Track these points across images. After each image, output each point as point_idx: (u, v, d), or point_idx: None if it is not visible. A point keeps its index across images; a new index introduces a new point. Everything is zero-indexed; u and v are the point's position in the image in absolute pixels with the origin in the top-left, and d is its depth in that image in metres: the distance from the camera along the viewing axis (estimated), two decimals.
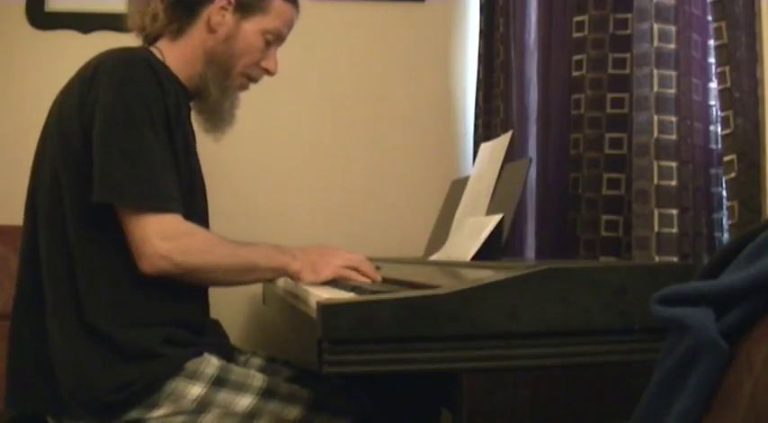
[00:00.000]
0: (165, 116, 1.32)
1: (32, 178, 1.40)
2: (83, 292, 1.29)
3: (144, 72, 1.32)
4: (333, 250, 1.47)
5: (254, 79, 1.55)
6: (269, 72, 1.54)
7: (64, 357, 1.28)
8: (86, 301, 1.29)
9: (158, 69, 1.35)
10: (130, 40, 1.51)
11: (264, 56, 1.52)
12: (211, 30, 1.46)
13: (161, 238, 1.26)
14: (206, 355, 1.33)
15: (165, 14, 1.45)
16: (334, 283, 1.41)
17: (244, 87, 1.55)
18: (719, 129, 1.36)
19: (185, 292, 1.37)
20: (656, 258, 1.39)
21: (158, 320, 1.33)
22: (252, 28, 1.48)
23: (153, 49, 1.46)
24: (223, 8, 1.46)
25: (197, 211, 1.43)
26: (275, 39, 1.52)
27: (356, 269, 1.42)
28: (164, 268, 1.27)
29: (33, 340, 1.32)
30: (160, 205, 1.28)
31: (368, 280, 1.40)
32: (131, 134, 1.28)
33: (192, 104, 1.53)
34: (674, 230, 1.40)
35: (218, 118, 1.53)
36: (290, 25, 1.54)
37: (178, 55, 1.46)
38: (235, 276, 1.40)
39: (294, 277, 1.41)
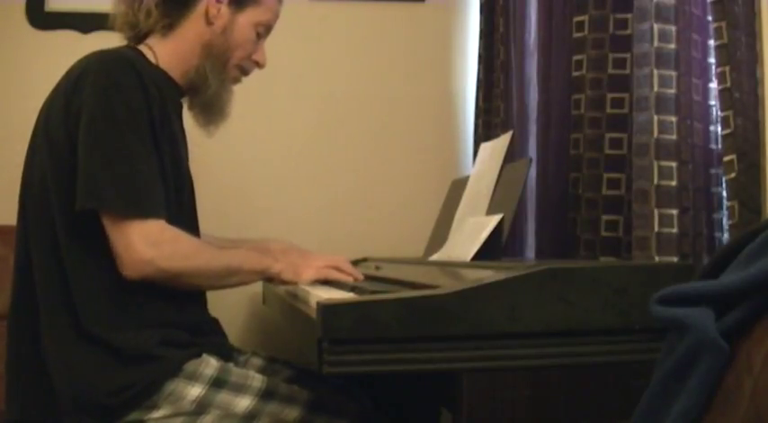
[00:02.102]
0: (150, 121, 1.31)
1: (23, 182, 1.38)
2: (76, 297, 1.28)
3: (128, 76, 1.30)
4: (314, 253, 1.54)
5: (245, 72, 1.56)
6: (259, 64, 1.56)
7: (60, 362, 1.27)
8: (80, 306, 1.28)
9: (143, 72, 1.33)
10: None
11: (255, 49, 1.54)
12: (209, 22, 1.46)
13: (145, 244, 1.25)
14: (205, 355, 1.33)
15: (158, 10, 1.44)
16: (334, 283, 1.42)
17: (237, 81, 1.56)
18: (719, 129, 1.36)
19: (181, 292, 1.36)
20: (656, 258, 1.39)
21: (154, 322, 1.32)
22: (245, 20, 1.49)
23: (142, 48, 1.45)
24: (218, 1, 1.46)
25: (185, 213, 1.42)
26: (265, 31, 1.55)
27: (337, 269, 1.44)
28: (148, 273, 1.26)
29: (29, 345, 1.31)
30: (144, 211, 1.26)
31: (350, 278, 1.42)
32: (115, 140, 1.27)
33: (185, 101, 1.52)
34: (674, 230, 1.40)
35: (215, 111, 1.53)
36: (277, 17, 1.56)
37: (171, 50, 1.46)
38: (217, 280, 1.40)
39: (276, 279, 1.42)
